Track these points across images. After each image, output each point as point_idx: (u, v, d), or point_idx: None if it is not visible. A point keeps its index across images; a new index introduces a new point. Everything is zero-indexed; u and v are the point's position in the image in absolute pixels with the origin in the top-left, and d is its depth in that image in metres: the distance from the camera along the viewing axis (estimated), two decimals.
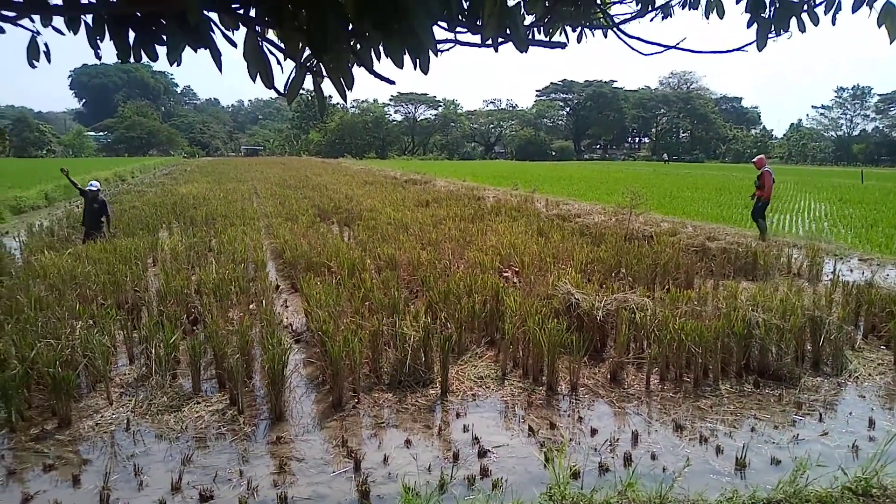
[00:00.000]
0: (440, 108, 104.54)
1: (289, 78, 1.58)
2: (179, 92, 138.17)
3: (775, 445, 4.74)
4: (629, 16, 2.73)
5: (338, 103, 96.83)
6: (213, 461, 4.52)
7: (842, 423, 5.16)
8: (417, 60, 1.44)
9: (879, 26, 2.09)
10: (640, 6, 2.69)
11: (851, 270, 11.04)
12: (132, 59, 1.65)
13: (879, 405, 5.53)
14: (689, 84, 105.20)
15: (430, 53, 1.42)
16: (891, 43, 2.05)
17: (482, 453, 4.60)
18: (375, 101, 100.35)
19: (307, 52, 1.54)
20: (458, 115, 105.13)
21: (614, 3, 2.89)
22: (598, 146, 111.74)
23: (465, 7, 1.48)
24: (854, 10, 2.25)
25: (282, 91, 1.64)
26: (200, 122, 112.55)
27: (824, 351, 6.35)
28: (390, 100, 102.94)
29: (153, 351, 5.97)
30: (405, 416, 5.23)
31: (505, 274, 9.08)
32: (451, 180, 31.56)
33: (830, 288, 8.22)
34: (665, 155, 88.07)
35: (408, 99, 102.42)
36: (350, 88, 1.61)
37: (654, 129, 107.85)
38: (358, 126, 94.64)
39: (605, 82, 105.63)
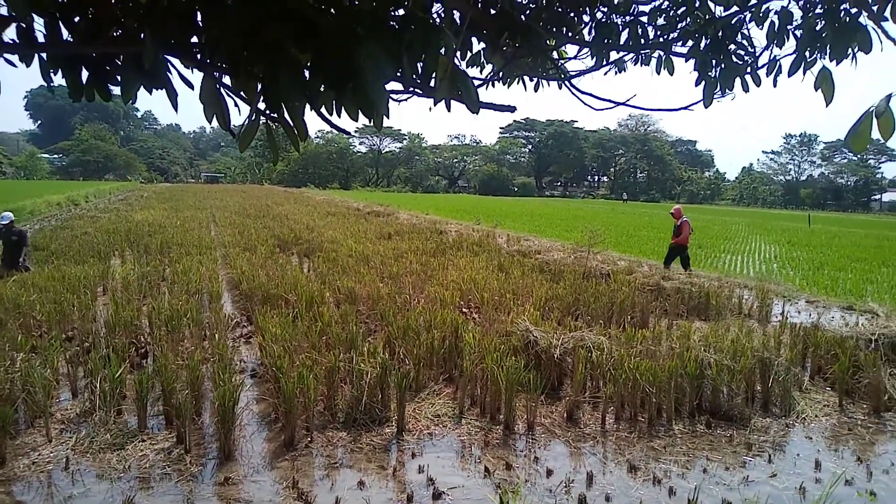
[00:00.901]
0: (405, 142, 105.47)
1: (242, 125, 1.58)
2: (140, 116, 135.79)
3: (726, 487, 4.80)
4: (585, 70, 2.83)
5: None
6: (157, 503, 4.33)
7: (790, 464, 5.27)
8: (371, 116, 1.46)
9: (816, 90, 2.22)
10: (595, 60, 2.80)
11: (799, 312, 11.42)
12: (84, 98, 1.62)
13: (825, 446, 5.67)
14: (646, 126, 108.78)
15: (385, 109, 1.44)
16: (826, 106, 2.17)
17: (437, 495, 4.53)
18: (341, 132, 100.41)
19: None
20: (422, 148, 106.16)
21: (570, 58, 2.99)
22: (558, 183, 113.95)
23: (419, 69, 1.52)
24: (790, 74, 2.40)
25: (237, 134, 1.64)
26: (160, 148, 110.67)
27: (773, 392, 6.51)
28: (355, 131, 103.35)
29: (98, 385, 5.73)
30: (359, 456, 5.12)
31: (464, 311, 9.09)
32: (414, 213, 31.67)
33: (779, 329, 8.47)
34: (624, 194, 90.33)
35: (373, 131, 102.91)
36: (303, 139, 1.62)
37: (612, 169, 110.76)
38: (322, 156, 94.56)
39: (566, 122, 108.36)
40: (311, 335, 7.04)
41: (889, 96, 1.67)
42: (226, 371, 5.61)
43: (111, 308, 8.33)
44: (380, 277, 10.90)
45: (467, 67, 2.62)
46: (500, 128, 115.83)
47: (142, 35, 1.43)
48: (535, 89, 3.27)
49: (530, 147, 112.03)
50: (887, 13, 2.11)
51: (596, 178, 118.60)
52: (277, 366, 5.74)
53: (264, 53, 1.37)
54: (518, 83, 3.22)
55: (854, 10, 2.19)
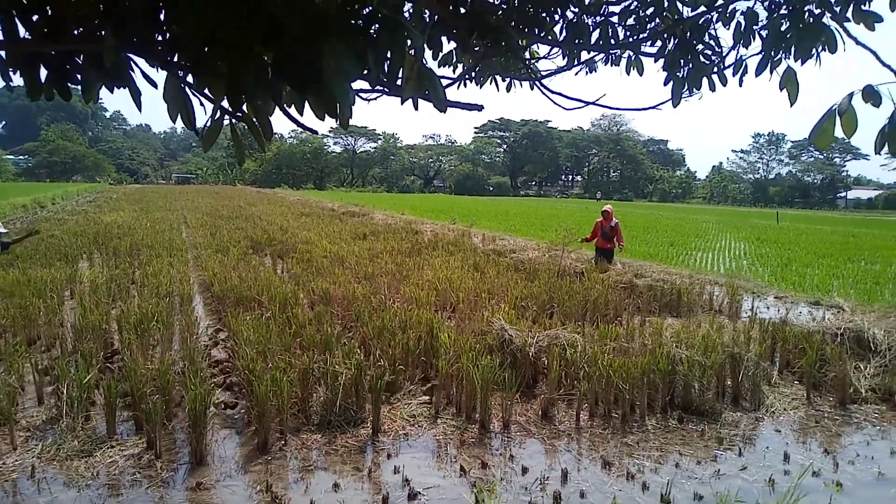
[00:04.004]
0: (380, 142, 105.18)
1: (204, 125, 1.55)
2: (108, 117, 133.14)
3: (698, 481, 4.87)
4: (556, 69, 2.85)
5: (275, 133, 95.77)
6: None
7: (759, 457, 5.37)
8: (335, 116, 1.44)
9: (781, 90, 2.26)
10: (566, 60, 2.82)
11: (768, 307, 11.65)
12: (44, 98, 1.58)
13: (794, 439, 5.79)
14: (619, 126, 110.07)
15: (349, 108, 1.43)
16: (791, 106, 2.22)
17: (412, 495, 4.52)
18: (317, 132, 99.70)
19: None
20: (397, 148, 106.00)
21: (542, 57, 3.01)
22: (533, 183, 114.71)
23: (386, 69, 1.51)
24: (757, 73, 2.44)
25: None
26: (129, 148, 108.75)
27: (743, 386, 6.62)
28: (329, 131, 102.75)
29: (65, 391, 5.60)
30: (334, 458, 5.08)
31: (439, 311, 9.08)
32: (389, 213, 31.58)
33: (749, 325, 8.63)
34: (599, 193, 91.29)
35: (347, 131, 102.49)
36: (268, 139, 1.59)
37: (586, 168, 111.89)
38: (296, 156, 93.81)
39: (541, 122, 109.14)
40: (285, 337, 6.96)
41: (851, 95, 1.71)
42: (197, 375, 5.52)
43: (79, 312, 8.15)
44: (355, 278, 10.84)
45: (439, 67, 2.62)
46: (475, 128, 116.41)
47: (102, 33, 1.39)
48: (508, 89, 3.28)
49: (505, 147, 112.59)
50: (850, 14, 2.17)
51: (570, 177, 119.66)
52: (250, 369, 5.66)
53: (227, 52, 1.35)
54: (491, 83, 3.22)
55: (818, 11, 2.24)
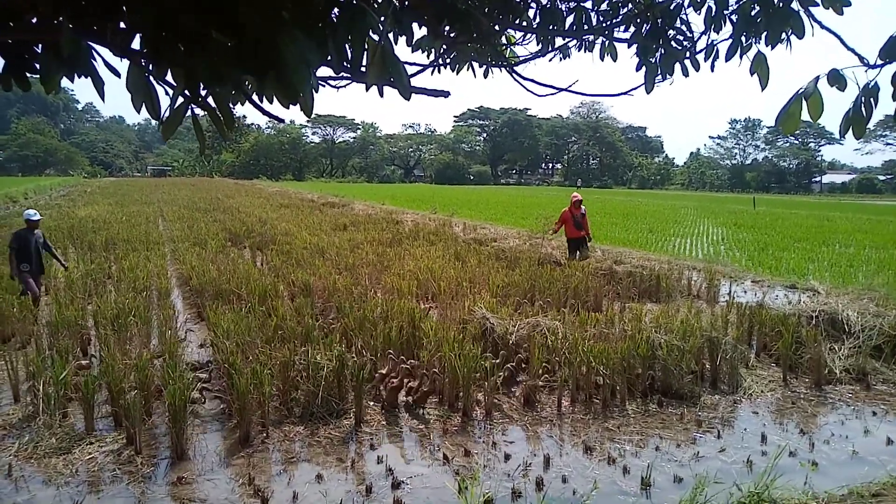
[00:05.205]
0: (359, 131, 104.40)
1: (163, 114, 1.51)
2: (81, 109, 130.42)
3: (678, 463, 4.95)
4: (530, 56, 2.84)
5: (252, 123, 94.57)
6: None
7: (737, 438, 5.46)
8: (296, 103, 1.41)
9: (752, 74, 2.28)
10: (540, 46, 2.81)
11: (745, 292, 11.81)
12: (2, 88, 1.53)
13: (771, 420, 5.90)
14: (598, 114, 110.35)
15: (310, 95, 1.40)
16: (762, 91, 2.24)
17: (396, 485, 4.53)
18: (292, 122, 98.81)
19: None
20: (377, 138, 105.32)
21: (516, 42, 2.99)
22: (514, 171, 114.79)
23: (349, 54, 1.48)
24: (727, 58, 2.46)
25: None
26: (103, 141, 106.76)
27: (721, 370, 6.72)
28: (308, 121, 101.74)
29: (41, 388, 5.52)
30: (317, 450, 5.08)
31: (421, 300, 9.08)
32: (369, 203, 31.44)
33: (726, 309, 8.75)
34: (579, 181, 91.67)
35: (326, 121, 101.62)
36: (230, 127, 1.56)
37: (566, 156, 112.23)
38: (274, 147, 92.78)
39: (520, 110, 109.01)
40: (266, 330, 6.92)
41: (817, 78, 1.72)
42: (176, 369, 5.46)
43: (54, 308, 8.02)
44: (335, 269, 10.78)
45: (413, 53, 2.60)
46: (455, 116, 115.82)
47: (59, 21, 1.35)
48: (485, 76, 3.27)
49: (485, 135, 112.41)
50: None
51: (550, 165, 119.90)
52: (230, 362, 5.62)
53: (183, 39, 1.31)
54: (468, 69, 3.20)
55: None
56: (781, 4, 2.27)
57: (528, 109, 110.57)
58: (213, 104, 1.50)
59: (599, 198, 52.79)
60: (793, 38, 2.35)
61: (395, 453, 5.04)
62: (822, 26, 2.13)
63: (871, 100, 1.75)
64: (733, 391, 6.52)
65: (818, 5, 2.21)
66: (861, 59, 1.77)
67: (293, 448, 5.10)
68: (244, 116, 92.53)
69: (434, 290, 9.64)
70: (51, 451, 4.93)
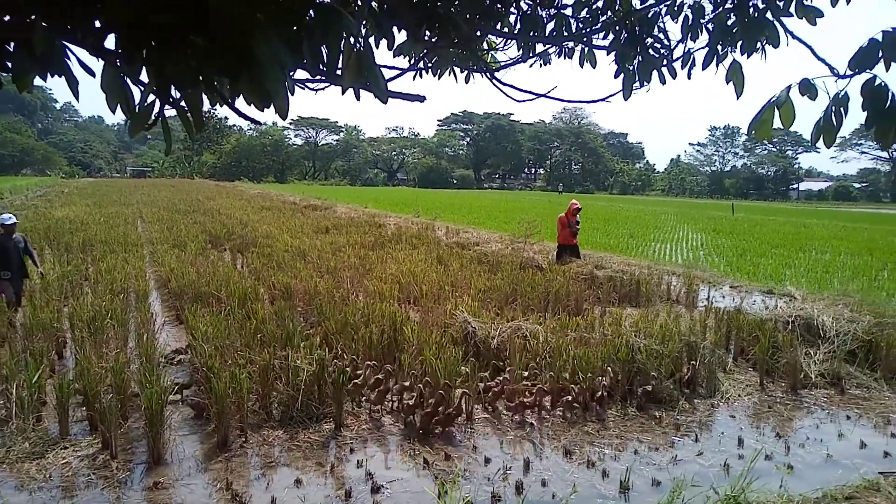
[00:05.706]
0: (342, 134, 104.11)
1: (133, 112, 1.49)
2: (59, 108, 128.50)
3: (656, 467, 4.99)
4: (510, 61, 2.86)
5: (234, 125, 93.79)
6: None
7: (715, 442, 5.52)
8: (269, 106, 1.41)
9: (728, 83, 2.32)
10: (521, 52, 2.83)
11: (723, 297, 11.96)
12: None
13: (748, 424, 5.97)
14: (580, 119, 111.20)
15: (284, 98, 1.40)
16: (738, 99, 2.27)
17: (376, 489, 4.51)
18: (274, 124, 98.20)
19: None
20: (360, 141, 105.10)
21: (497, 48, 3.01)
22: (497, 175, 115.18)
23: (325, 58, 1.48)
24: (704, 66, 2.50)
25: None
26: (82, 141, 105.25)
27: (700, 374, 6.79)
28: (290, 123, 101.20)
29: (14, 392, 5.42)
30: (297, 454, 5.04)
31: (401, 306, 9.06)
32: (352, 206, 31.33)
33: (705, 314, 8.84)
34: (561, 186, 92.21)
35: (308, 123, 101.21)
36: (199, 129, 1.55)
37: (548, 161, 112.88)
38: (256, 149, 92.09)
39: (503, 115, 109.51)
40: (245, 333, 6.86)
41: (789, 87, 1.76)
42: (153, 373, 5.39)
43: (28, 310, 7.88)
44: (317, 272, 10.73)
45: (394, 57, 2.61)
46: (439, 120, 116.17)
47: (31, 18, 1.33)
48: (467, 80, 3.28)
49: (468, 140, 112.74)
50: (792, 9, 2.23)
51: (533, 170, 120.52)
52: (208, 365, 5.56)
53: (154, 39, 1.30)
54: (450, 74, 3.21)
55: (762, 6, 2.30)
56: (756, 14, 2.32)
57: (511, 114, 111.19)
58: (184, 105, 1.48)
59: (581, 203, 53.03)
60: (768, 47, 2.41)
61: (376, 458, 5.02)
62: (794, 36, 2.17)
63: (842, 109, 1.79)
64: (711, 395, 6.59)
65: (792, 16, 2.26)
66: (831, 69, 1.81)
67: (272, 452, 5.06)
68: (226, 118, 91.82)
69: (416, 293, 9.63)
70: (24, 456, 4.84)
